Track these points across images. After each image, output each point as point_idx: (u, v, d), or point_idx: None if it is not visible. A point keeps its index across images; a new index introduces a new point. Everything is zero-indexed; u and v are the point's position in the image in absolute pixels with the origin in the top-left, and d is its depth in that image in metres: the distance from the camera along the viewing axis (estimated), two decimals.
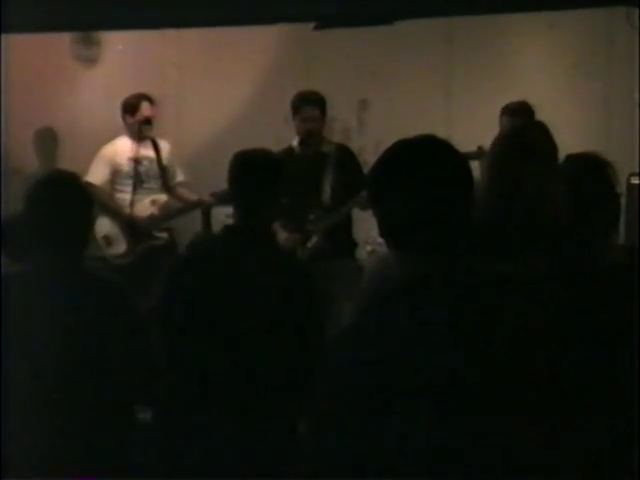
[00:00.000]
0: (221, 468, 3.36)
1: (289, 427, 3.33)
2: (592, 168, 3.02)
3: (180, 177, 6.55)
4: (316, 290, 3.51)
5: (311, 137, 5.86)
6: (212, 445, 3.41)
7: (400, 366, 1.90)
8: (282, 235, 5.54)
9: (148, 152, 6.37)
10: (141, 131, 6.28)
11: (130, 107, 6.33)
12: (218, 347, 3.34)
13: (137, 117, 6.30)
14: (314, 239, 5.81)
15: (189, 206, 6.39)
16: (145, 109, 6.31)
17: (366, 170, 6.17)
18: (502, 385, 1.92)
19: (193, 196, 6.38)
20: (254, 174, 3.43)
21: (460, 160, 2.06)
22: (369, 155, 6.74)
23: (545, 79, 7.09)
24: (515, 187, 2.96)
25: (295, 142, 5.92)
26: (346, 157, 5.98)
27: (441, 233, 2.00)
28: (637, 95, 6.58)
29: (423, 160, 2.03)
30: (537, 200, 2.94)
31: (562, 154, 3.08)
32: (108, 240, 6.20)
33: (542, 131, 3.08)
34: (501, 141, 3.16)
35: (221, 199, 6.22)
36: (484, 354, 1.93)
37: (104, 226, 6.15)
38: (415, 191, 2.00)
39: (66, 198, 3.04)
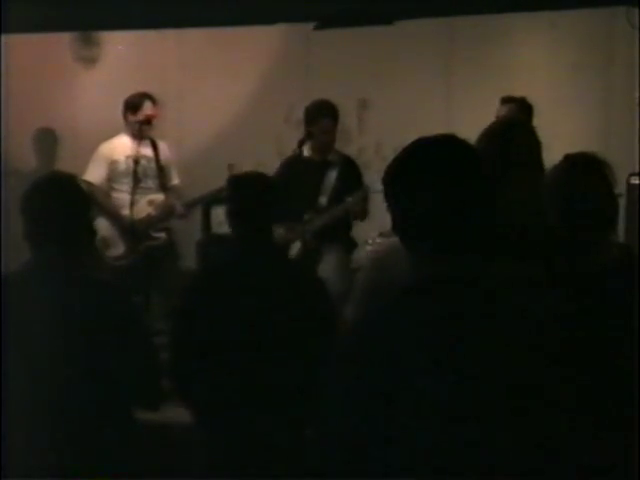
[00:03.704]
0: (227, 468, 3.37)
1: (299, 430, 3.34)
2: (590, 168, 3.02)
3: (175, 180, 6.52)
4: (325, 297, 3.56)
5: (327, 148, 5.94)
6: (217, 446, 3.43)
7: (410, 366, 1.90)
8: (277, 234, 5.56)
9: (146, 151, 6.31)
10: (141, 130, 6.25)
11: (132, 105, 6.30)
12: (228, 353, 3.40)
13: (138, 116, 6.26)
14: (308, 239, 5.85)
15: (163, 215, 6.36)
16: (147, 108, 6.28)
17: (366, 178, 6.22)
18: (509, 385, 1.92)
19: (178, 205, 6.37)
20: (249, 198, 3.58)
21: (479, 161, 2.05)
22: (369, 155, 6.75)
23: (545, 79, 7.10)
24: (499, 187, 2.95)
25: (306, 148, 5.93)
26: (350, 169, 6.03)
27: (457, 233, 2.00)
28: (637, 95, 6.58)
29: (442, 159, 2.03)
30: (519, 200, 2.94)
31: (562, 153, 3.08)
32: (106, 242, 6.16)
33: (524, 129, 3.07)
34: (482, 141, 3.15)
35: (192, 205, 6.30)
36: (492, 355, 1.92)
37: (102, 228, 6.10)
38: (432, 190, 1.99)
39: (63, 199, 3.04)
